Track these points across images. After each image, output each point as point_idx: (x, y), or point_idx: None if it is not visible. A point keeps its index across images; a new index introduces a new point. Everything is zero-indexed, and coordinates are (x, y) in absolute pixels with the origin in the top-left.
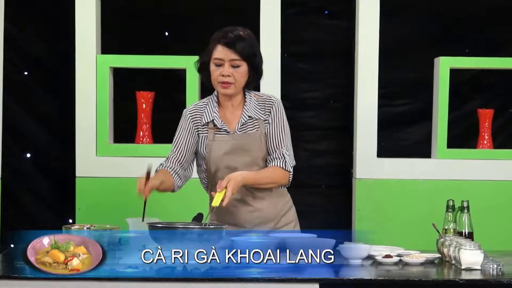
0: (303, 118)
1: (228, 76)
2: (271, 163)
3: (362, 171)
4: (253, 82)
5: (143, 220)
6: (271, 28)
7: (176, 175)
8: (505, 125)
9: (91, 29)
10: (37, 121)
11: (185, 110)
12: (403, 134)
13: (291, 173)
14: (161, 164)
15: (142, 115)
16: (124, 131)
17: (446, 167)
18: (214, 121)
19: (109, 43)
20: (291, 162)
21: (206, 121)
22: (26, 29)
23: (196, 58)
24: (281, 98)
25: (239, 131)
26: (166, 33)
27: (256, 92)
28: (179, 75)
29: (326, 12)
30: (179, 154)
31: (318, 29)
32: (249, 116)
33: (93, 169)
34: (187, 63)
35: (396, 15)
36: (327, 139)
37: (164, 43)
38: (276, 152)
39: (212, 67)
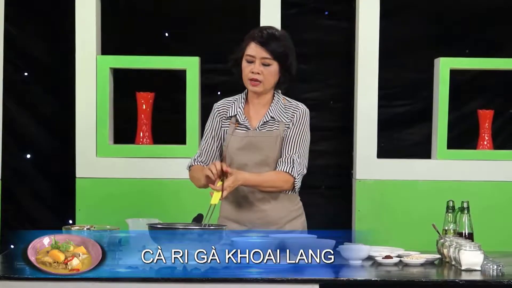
0: None
1: (258, 73)
2: (278, 167)
3: (362, 172)
4: (285, 83)
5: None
6: None
7: None
8: (505, 125)
9: (91, 29)
10: (37, 122)
11: (215, 104)
12: (403, 134)
13: (297, 180)
14: (194, 159)
15: (142, 115)
16: (124, 131)
17: (446, 168)
18: (237, 116)
19: (109, 43)
20: (299, 169)
21: (230, 115)
22: (26, 30)
23: (196, 58)
24: None
25: (259, 129)
26: (166, 34)
27: (286, 97)
28: (179, 76)
29: (326, 12)
30: (210, 148)
31: (318, 30)
32: (272, 117)
33: (93, 170)
34: (187, 63)
35: (396, 16)
36: (327, 140)
37: (164, 44)
38: (286, 156)
39: (244, 63)
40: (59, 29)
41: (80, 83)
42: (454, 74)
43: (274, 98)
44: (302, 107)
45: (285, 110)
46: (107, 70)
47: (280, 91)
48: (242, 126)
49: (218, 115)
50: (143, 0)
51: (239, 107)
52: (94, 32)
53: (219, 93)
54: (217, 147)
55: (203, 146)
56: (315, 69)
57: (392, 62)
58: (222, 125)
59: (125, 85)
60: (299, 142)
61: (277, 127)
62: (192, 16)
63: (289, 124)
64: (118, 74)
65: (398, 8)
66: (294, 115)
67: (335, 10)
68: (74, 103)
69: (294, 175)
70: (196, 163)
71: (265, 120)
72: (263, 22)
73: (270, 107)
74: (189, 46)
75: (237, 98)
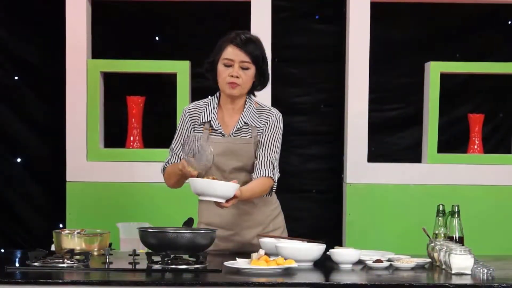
0: (294, 123)
1: (237, 77)
2: (260, 171)
3: (352, 176)
4: (258, 87)
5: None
6: (261, 32)
7: None
8: (496, 130)
9: (82, 33)
10: (27, 126)
11: (185, 107)
12: (394, 139)
13: (275, 184)
14: (166, 162)
15: (133, 119)
16: (114, 135)
17: (437, 172)
18: (211, 121)
19: (100, 47)
20: (278, 173)
21: (203, 121)
22: (16, 33)
23: (187, 62)
24: (272, 103)
25: (233, 135)
26: (157, 38)
27: (258, 101)
28: (169, 80)
29: (317, 16)
30: (179, 151)
31: (309, 34)
32: (245, 122)
33: (83, 174)
34: (178, 67)
35: (387, 20)
36: (318, 144)
37: (154, 48)
38: (265, 159)
39: (221, 67)
40: (49, 32)
41: (71, 87)
42: (445, 78)
43: (247, 103)
44: (275, 111)
45: (258, 115)
46: (97, 74)
47: (252, 96)
48: (217, 132)
49: (190, 119)
50: (134, 4)
51: (213, 113)
52: (84, 36)
53: (209, 97)
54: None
55: (175, 148)
56: (306, 73)
57: (382, 66)
58: (196, 131)
59: (115, 89)
60: (275, 146)
61: (251, 132)
62: (183, 20)
63: (261, 129)
64: (109, 78)
65: (389, 12)
66: (268, 120)
67: (325, 14)
68: (65, 107)
69: (275, 179)
70: (168, 165)
71: (239, 126)
72: (254, 26)
73: (243, 113)
74: (179, 50)
75: (208, 102)
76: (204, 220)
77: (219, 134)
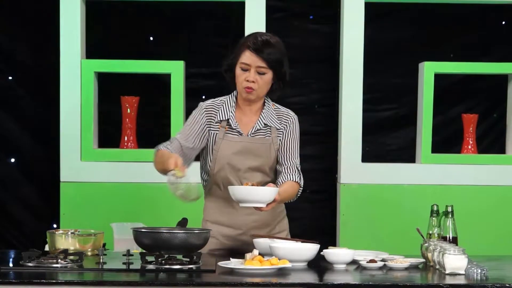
0: None
1: (253, 82)
2: (288, 176)
3: (346, 176)
4: (278, 90)
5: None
6: None
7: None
8: (489, 130)
9: (76, 33)
10: (21, 126)
11: (201, 103)
12: (388, 139)
13: (301, 189)
14: (163, 144)
15: (127, 120)
16: (108, 136)
17: (431, 172)
18: (230, 120)
19: (94, 47)
20: (302, 178)
21: (220, 119)
22: (10, 33)
23: (181, 62)
24: None
25: (251, 135)
26: (151, 38)
27: (275, 103)
28: (164, 80)
29: (311, 17)
30: (185, 142)
31: (303, 34)
32: (265, 124)
33: (77, 174)
34: (172, 67)
35: (381, 20)
36: (312, 144)
37: (149, 48)
38: (291, 164)
39: (238, 71)
40: (43, 33)
41: (65, 87)
42: (439, 78)
43: (265, 104)
44: (292, 113)
45: (277, 116)
46: (91, 74)
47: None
48: (234, 131)
49: (206, 115)
50: (128, 5)
51: (231, 111)
52: (78, 36)
53: (203, 97)
54: (197, 139)
55: (179, 137)
56: (300, 73)
57: (376, 66)
58: (210, 128)
59: (109, 89)
60: (297, 151)
61: (269, 133)
62: (177, 21)
63: (281, 131)
64: (103, 78)
65: (383, 13)
66: (287, 122)
67: (320, 15)
68: (59, 107)
69: (301, 184)
70: (163, 148)
71: (259, 127)
72: (248, 27)
73: (262, 114)
74: (173, 50)
75: (224, 101)
76: (211, 218)
77: (236, 133)
